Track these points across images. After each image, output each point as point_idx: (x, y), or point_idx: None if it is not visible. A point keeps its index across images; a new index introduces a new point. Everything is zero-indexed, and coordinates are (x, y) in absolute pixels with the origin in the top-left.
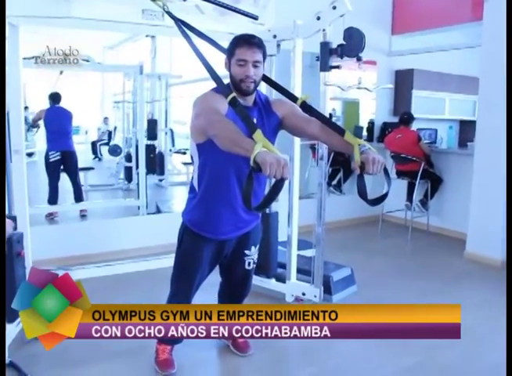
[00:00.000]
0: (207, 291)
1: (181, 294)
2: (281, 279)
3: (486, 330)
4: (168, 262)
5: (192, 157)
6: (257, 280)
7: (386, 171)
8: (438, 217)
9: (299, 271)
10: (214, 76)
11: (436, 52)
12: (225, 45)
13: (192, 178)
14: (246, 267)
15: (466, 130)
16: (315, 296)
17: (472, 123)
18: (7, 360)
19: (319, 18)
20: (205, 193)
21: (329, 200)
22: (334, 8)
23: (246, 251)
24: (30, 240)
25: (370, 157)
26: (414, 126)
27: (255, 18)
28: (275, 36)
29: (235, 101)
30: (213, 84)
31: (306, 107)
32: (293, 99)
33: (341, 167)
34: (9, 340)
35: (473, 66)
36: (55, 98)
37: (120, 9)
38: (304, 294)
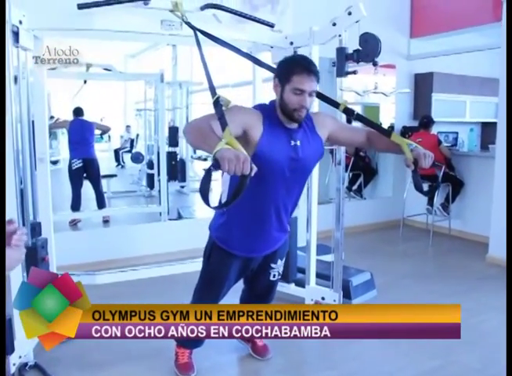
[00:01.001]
0: (230, 296)
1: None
2: (300, 284)
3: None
4: (189, 267)
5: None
6: None
7: (435, 163)
8: (460, 220)
9: (318, 276)
10: (211, 85)
11: (456, 54)
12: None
13: (221, 195)
14: (271, 278)
15: (489, 132)
16: (335, 301)
17: (494, 125)
18: (32, 362)
19: (334, 24)
20: (237, 212)
21: (349, 205)
22: (350, 14)
23: (273, 265)
24: (54, 246)
25: (421, 153)
26: (434, 129)
27: (271, 26)
28: (291, 43)
29: (217, 101)
30: (232, 92)
31: (349, 112)
32: (335, 104)
33: (362, 172)
34: (33, 343)
35: (494, 67)
36: (78, 112)
37: (139, 20)
38: (323, 298)
